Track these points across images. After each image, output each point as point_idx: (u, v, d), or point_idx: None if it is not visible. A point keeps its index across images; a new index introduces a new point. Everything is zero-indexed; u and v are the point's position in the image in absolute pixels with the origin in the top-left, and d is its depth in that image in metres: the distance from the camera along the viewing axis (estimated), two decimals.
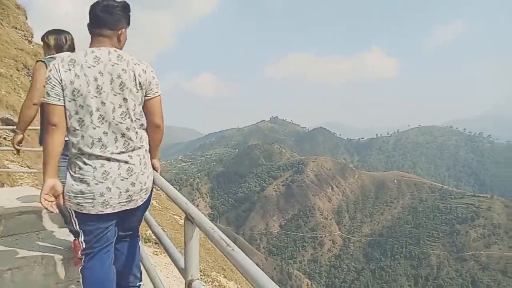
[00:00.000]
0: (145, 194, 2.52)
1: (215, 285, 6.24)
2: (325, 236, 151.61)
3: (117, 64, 2.27)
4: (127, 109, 2.31)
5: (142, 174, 2.45)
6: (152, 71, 2.43)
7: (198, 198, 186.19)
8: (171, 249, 2.59)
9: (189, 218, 2.08)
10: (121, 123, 2.30)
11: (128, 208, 2.44)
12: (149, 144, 2.56)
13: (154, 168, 2.64)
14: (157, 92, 2.44)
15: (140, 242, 2.82)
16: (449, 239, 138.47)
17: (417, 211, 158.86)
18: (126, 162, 2.35)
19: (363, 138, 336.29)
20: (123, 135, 2.32)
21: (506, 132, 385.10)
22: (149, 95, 2.41)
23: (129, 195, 2.39)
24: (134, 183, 2.40)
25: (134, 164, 2.39)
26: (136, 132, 2.39)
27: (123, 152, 2.34)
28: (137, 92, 2.34)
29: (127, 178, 2.35)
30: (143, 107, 2.43)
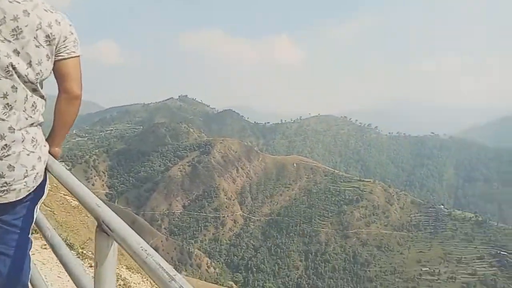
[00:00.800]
0: (33, 183, 1.81)
1: None
2: (227, 216, 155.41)
3: (18, 2, 1.65)
4: (18, 63, 1.65)
5: (28, 155, 1.76)
6: (70, 24, 1.83)
7: (95, 176, 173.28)
8: (75, 269, 1.87)
9: (103, 229, 1.37)
10: (4, 78, 1.64)
11: (4, 201, 1.73)
12: (57, 121, 1.90)
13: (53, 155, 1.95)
14: (74, 52, 1.85)
15: (30, 252, 1.96)
16: (337, 218, 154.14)
17: (311, 193, 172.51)
18: (2, 137, 1.66)
19: (269, 122, 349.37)
20: (4, 96, 1.65)
21: (390, 125, 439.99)
22: (62, 55, 1.81)
23: (5, 183, 1.70)
24: (13, 167, 1.71)
25: (14, 141, 1.70)
26: (26, 98, 1.74)
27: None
28: (41, 46, 1.71)
29: (1, 159, 1.67)
30: (53, 69, 1.82)
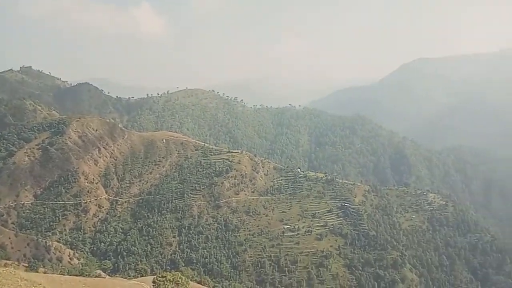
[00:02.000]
0: None
1: None
2: (90, 201, 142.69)
3: None
4: None
5: None
6: None
7: None
8: None
9: None
10: None
11: None
12: None
13: None
14: None
15: None
16: (208, 191, 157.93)
17: (182, 168, 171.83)
18: None
19: (133, 97, 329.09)
20: None
21: (254, 98, 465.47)
22: None
23: None
24: None
25: None
26: None
27: None
28: None
29: None
30: None
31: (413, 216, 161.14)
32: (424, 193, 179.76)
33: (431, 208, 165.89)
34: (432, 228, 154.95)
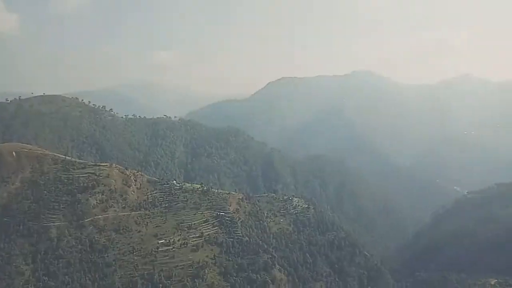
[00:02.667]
0: None
1: None
2: None
3: None
4: None
5: None
6: None
7: None
8: None
9: None
10: None
11: None
12: None
13: None
14: None
15: None
16: (70, 209, 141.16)
17: (38, 185, 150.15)
18: None
19: None
20: None
21: (127, 107, 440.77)
22: None
23: None
24: None
25: None
26: None
27: None
28: None
29: None
30: None
31: (281, 220, 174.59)
32: (290, 198, 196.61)
33: (296, 212, 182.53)
34: (297, 230, 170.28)
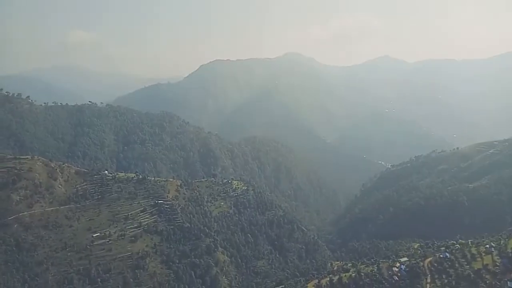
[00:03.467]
0: None
1: None
2: None
3: None
4: None
5: None
6: None
7: None
8: None
9: None
10: None
11: None
12: None
13: None
14: None
15: None
16: None
17: None
18: None
19: None
20: None
21: (43, 95, 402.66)
22: None
23: None
24: None
25: None
26: None
27: None
28: None
29: None
30: None
31: (222, 203, 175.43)
32: (229, 182, 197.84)
33: (236, 194, 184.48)
34: (238, 212, 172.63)
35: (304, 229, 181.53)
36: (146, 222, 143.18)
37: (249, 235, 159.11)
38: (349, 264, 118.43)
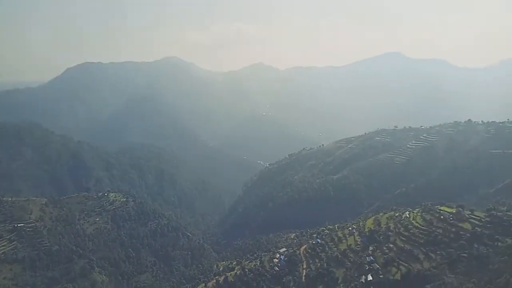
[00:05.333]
0: None
1: None
2: None
3: None
4: None
5: None
6: None
7: None
8: None
9: None
10: None
11: None
12: None
13: None
14: None
15: None
16: None
17: None
18: None
19: None
20: None
21: None
22: None
23: None
24: None
25: None
26: None
27: None
28: None
29: None
30: None
31: (97, 219, 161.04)
32: (105, 194, 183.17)
33: (114, 207, 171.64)
34: (117, 226, 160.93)
35: (190, 234, 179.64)
36: (2, 251, 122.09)
37: (130, 249, 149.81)
38: (234, 263, 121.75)
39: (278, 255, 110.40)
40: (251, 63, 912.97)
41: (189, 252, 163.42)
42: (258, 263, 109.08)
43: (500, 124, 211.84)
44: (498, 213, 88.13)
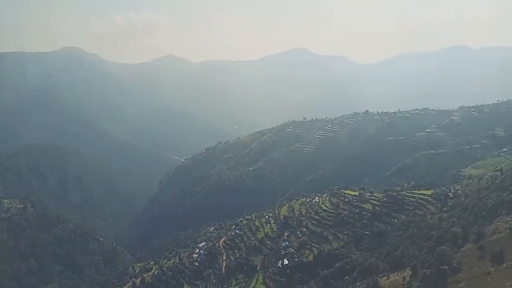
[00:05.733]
0: None
1: None
2: None
3: None
4: None
5: None
6: None
7: None
8: None
9: None
10: None
11: None
12: None
13: None
14: None
15: None
16: None
17: None
18: None
19: None
20: None
21: None
22: None
23: None
24: None
25: None
26: None
27: None
28: None
29: None
30: None
31: None
32: None
33: (9, 215, 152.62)
34: (14, 235, 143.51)
35: (100, 238, 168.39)
36: None
37: (31, 259, 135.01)
38: (151, 263, 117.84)
39: (198, 250, 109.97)
40: (162, 55, 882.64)
41: (101, 257, 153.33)
42: (177, 261, 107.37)
43: (392, 114, 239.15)
44: (393, 193, 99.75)
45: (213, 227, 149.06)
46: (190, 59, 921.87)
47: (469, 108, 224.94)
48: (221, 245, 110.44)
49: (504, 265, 46.07)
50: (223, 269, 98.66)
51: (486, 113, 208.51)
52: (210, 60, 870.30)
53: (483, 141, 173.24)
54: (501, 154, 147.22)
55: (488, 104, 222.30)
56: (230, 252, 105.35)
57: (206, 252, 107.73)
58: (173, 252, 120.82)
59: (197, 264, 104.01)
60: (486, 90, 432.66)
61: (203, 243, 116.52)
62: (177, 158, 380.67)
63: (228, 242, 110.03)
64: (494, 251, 49.22)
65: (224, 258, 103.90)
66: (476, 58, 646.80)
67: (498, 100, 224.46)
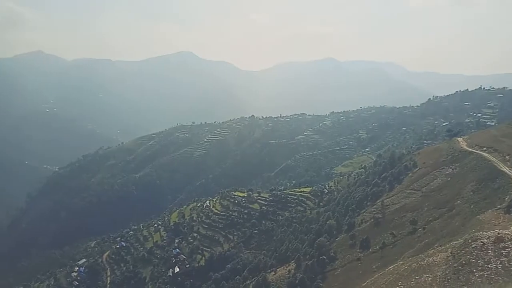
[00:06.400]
0: None
1: None
2: None
3: None
4: None
5: None
6: None
7: None
8: None
9: None
10: None
11: None
12: None
13: None
14: None
15: None
16: None
17: None
18: None
19: None
20: None
21: None
22: None
23: None
24: None
25: None
26: None
27: None
28: None
29: None
30: None
31: None
32: None
33: None
34: None
35: None
36: None
37: None
38: None
39: (77, 268, 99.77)
40: (28, 51, 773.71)
41: None
42: (51, 282, 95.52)
43: (275, 119, 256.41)
44: (278, 192, 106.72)
45: (94, 242, 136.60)
46: (63, 56, 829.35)
47: (338, 114, 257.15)
48: (104, 260, 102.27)
49: (370, 250, 53.65)
50: (108, 285, 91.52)
51: (352, 118, 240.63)
52: (85, 58, 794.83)
53: (350, 142, 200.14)
54: (364, 153, 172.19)
55: (353, 110, 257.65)
56: (116, 267, 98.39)
57: (87, 270, 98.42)
58: (47, 273, 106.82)
59: (77, 283, 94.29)
60: (351, 97, 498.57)
61: (83, 260, 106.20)
62: (48, 167, 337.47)
63: (113, 256, 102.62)
64: (362, 238, 57.06)
65: (109, 273, 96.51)
66: (342, 69, 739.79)
67: (360, 107, 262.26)
